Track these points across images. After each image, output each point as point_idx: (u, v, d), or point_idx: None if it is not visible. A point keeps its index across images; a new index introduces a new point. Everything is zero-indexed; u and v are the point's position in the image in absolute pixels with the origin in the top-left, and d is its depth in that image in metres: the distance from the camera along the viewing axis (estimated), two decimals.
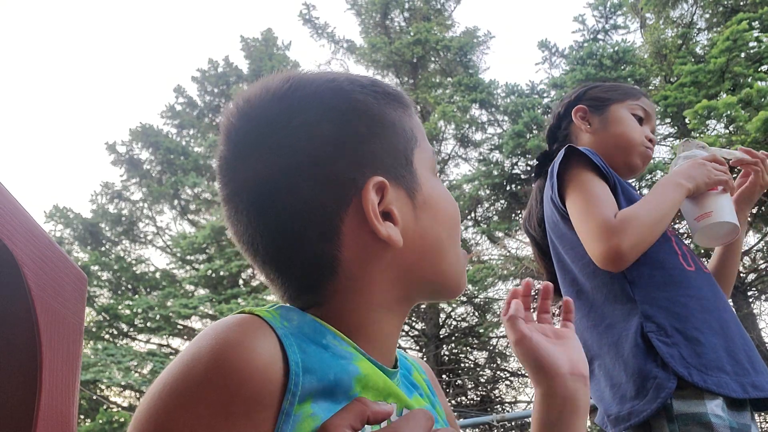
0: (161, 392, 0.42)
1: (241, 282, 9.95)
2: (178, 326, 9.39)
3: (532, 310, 0.72)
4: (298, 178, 0.52)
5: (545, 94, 8.95)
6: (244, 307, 0.49)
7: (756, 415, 1.08)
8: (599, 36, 8.73)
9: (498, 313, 9.04)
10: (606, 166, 1.24)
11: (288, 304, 0.55)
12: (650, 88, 7.98)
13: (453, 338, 9.40)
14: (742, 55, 6.71)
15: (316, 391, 0.45)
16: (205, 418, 0.40)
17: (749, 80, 6.52)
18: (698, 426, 0.96)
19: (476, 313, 9.29)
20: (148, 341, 9.77)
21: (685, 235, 4.84)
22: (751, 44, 6.68)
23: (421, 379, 0.64)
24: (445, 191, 0.61)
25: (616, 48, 7.94)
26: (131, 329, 9.47)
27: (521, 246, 8.67)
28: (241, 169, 0.55)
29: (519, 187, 8.64)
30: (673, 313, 1.09)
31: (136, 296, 9.68)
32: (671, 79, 7.75)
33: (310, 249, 0.53)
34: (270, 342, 0.44)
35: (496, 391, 9.32)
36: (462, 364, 9.49)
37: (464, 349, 9.68)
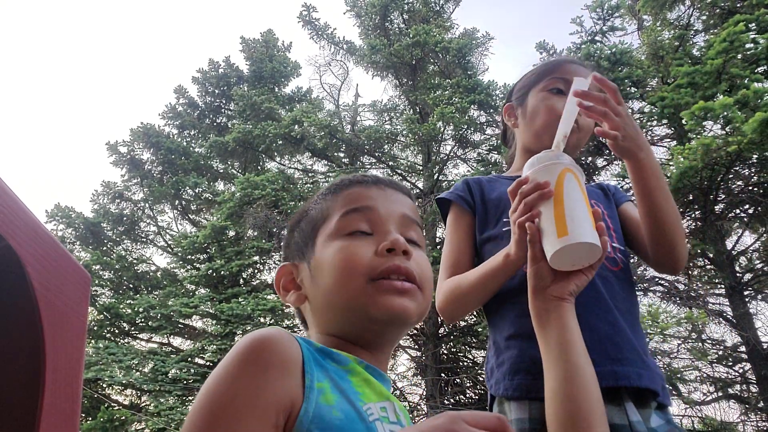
0: (214, 370, 0.61)
1: (241, 281, 10.00)
2: (179, 325, 9.43)
3: None
4: None
5: None
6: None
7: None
8: (597, 38, 8.74)
9: None
10: (467, 189, 1.28)
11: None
12: (647, 89, 8.01)
13: (452, 337, 9.45)
14: (739, 56, 6.72)
15: (327, 380, 0.63)
16: (250, 381, 0.58)
17: (746, 81, 6.54)
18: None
19: (474, 312, 9.33)
20: (149, 340, 9.81)
21: None
22: (747, 46, 6.69)
23: None
24: (332, 251, 0.79)
25: (613, 50, 7.96)
26: (132, 328, 9.52)
27: None
28: None
29: None
30: (497, 327, 1.17)
31: (138, 295, 9.72)
32: (668, 81, 7.78)
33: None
34: (293, 339, 0.65)
35: None
36: (460, 363, 9.53)
37: (463, 348, 9.72)
